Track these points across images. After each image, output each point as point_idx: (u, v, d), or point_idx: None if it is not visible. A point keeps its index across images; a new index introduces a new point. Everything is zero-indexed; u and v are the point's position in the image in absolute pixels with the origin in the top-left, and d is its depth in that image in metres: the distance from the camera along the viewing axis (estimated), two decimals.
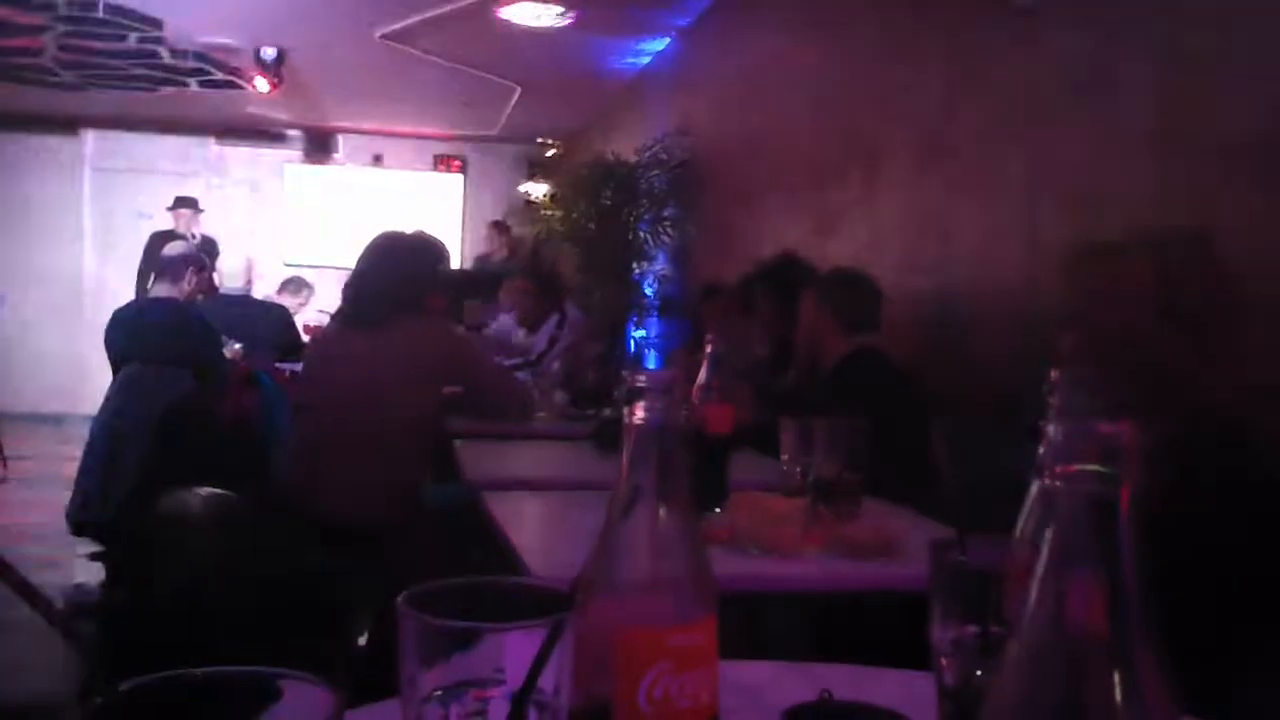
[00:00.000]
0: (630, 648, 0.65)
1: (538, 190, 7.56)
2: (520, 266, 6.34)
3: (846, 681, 1.01)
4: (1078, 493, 0.44)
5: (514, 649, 0.61)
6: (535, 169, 7.75)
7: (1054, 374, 0.52)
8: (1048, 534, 0.44)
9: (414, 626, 0.61)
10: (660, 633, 0.65)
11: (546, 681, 0.61)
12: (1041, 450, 0.44)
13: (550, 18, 6.33)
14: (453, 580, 0.65)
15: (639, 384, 0.69)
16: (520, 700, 0.60)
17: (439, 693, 0.62)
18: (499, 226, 9.28)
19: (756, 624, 1.99)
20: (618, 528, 0.68)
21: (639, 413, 0.69)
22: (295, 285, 7.34)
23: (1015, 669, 0.45)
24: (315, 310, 6.84)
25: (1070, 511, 0.44)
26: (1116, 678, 0.42)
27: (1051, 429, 0.44)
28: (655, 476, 0.68)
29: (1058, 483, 0.44)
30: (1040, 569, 0.44)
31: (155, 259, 4.82)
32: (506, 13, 6.23)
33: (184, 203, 8.05)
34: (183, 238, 7.17)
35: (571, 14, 6.29)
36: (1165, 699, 0.43)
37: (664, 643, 0.65)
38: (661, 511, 0.68)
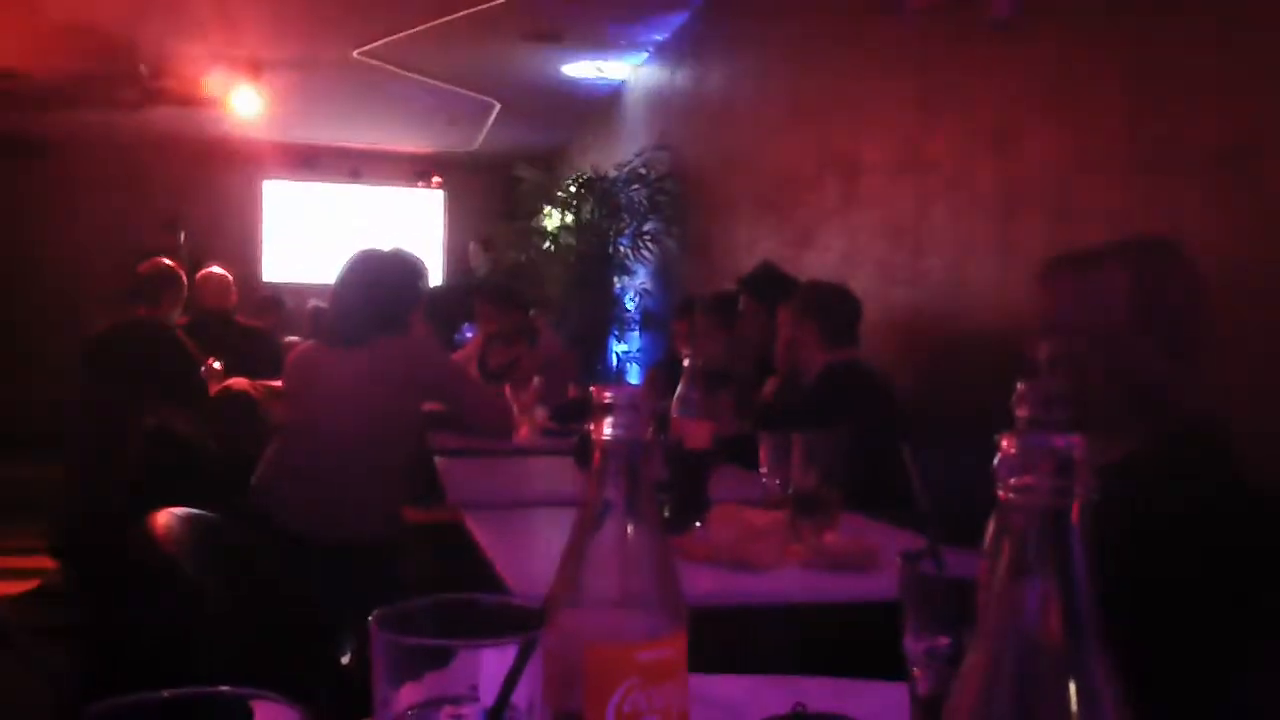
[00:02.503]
0: (599, 664, 0.65)
1: (518, 206, 7.60)
2: (490, 283, 6.32)
3: (824, 694, 1.01)
4: (1030, 504, 0.44)
5: (486, 666, 0.61)
6: (515, 185, 7.79)
7: (1020, 386, 0.53)
8: (1002, 545, 0.45)
9: (385, 645, 0.61)
10: (629, 649, 0.65)
11: (520, 698, 0.61)
12: (996, 462, 0.45)
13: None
14: (424, 599, 0.65)
15: (606, 400, 0.69)
16: (494, 717, 0.61)
17: (412, 711, 0.62)
18: (481, 243, 9.28)
19: (737, 638, 1.99)
20: (587, 543, 0.68)
21: (607, 428, 0.69)
22: (274, 303, 7.31)
23: (971, 678, 0.45)
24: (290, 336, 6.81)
25: (1023, 523, 0.44)
26: (1070, 686, 0.43)
27: (1005, 441, 0.45)
28: (624, 492, 0.69)
29: (1011, 494, 0.44)
30: (995, 579, 0.45)
31: (133, 279, 4.78)
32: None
33: (163, 223, 8.01)
34: (161, 256, 7.12)
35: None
36: (1119, 707, 0.43)
37: (633, 659, 0.65)
38: (630, 527, 0.68)
